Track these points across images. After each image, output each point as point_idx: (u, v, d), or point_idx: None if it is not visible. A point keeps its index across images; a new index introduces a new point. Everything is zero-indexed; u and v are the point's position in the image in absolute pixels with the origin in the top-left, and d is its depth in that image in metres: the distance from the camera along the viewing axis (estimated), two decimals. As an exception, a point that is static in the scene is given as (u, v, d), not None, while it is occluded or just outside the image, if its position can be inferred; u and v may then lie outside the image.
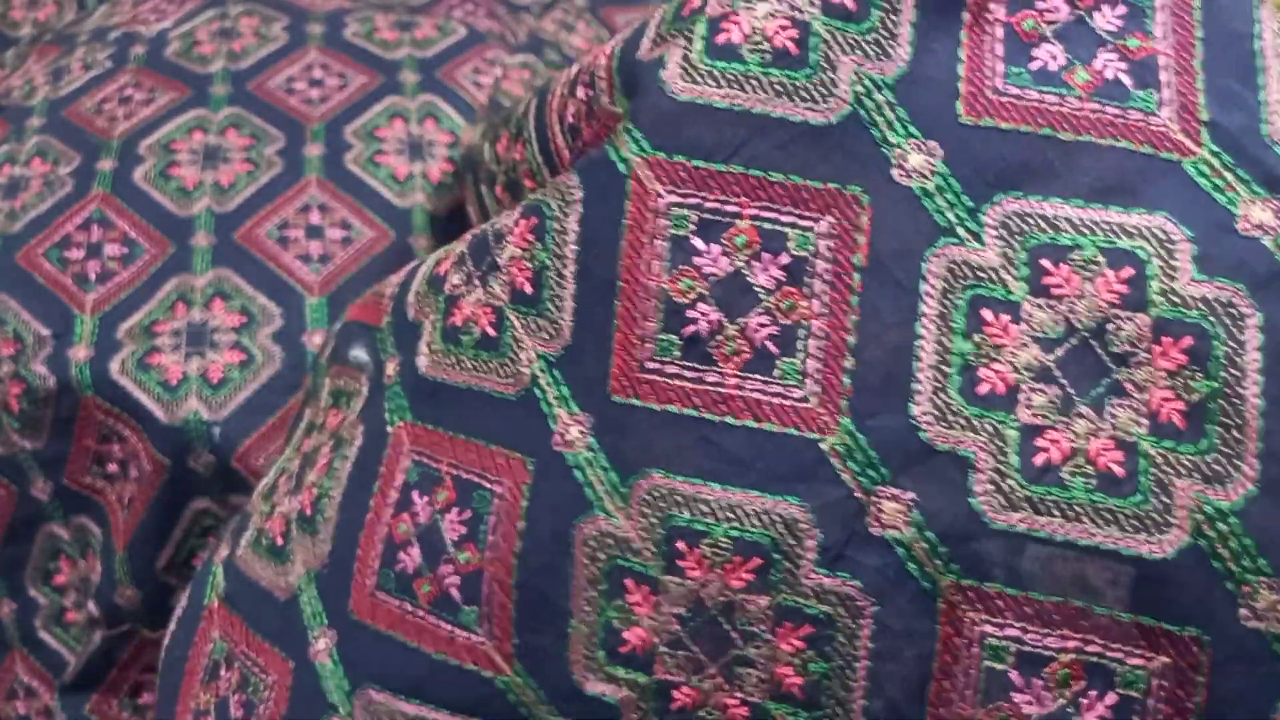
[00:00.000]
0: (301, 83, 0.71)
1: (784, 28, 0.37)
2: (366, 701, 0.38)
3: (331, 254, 0.63)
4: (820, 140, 0.36)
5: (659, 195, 0.37)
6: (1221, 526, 0.33)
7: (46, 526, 0.63)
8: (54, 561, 0.64)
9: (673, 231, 0.37)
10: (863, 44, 0.37)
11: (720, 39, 0.37)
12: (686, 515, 0.35)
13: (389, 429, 0.41)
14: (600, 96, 0.41)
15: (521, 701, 0.36)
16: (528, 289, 0.39)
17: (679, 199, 0.37)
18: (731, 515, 0.35)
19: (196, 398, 0.57)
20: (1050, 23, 0.38)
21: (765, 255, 0.36)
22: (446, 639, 0.37)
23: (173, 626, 0.46)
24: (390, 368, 0.43)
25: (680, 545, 0.35)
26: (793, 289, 0.36)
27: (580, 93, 0.43)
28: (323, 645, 0.39)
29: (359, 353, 0.45)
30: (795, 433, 0.35)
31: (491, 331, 0.39)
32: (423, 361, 0.42)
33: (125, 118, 0.68)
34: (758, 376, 0.36)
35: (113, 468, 0.60)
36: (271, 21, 0.75)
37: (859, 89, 0.36)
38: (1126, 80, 0.37)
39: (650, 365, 0.37)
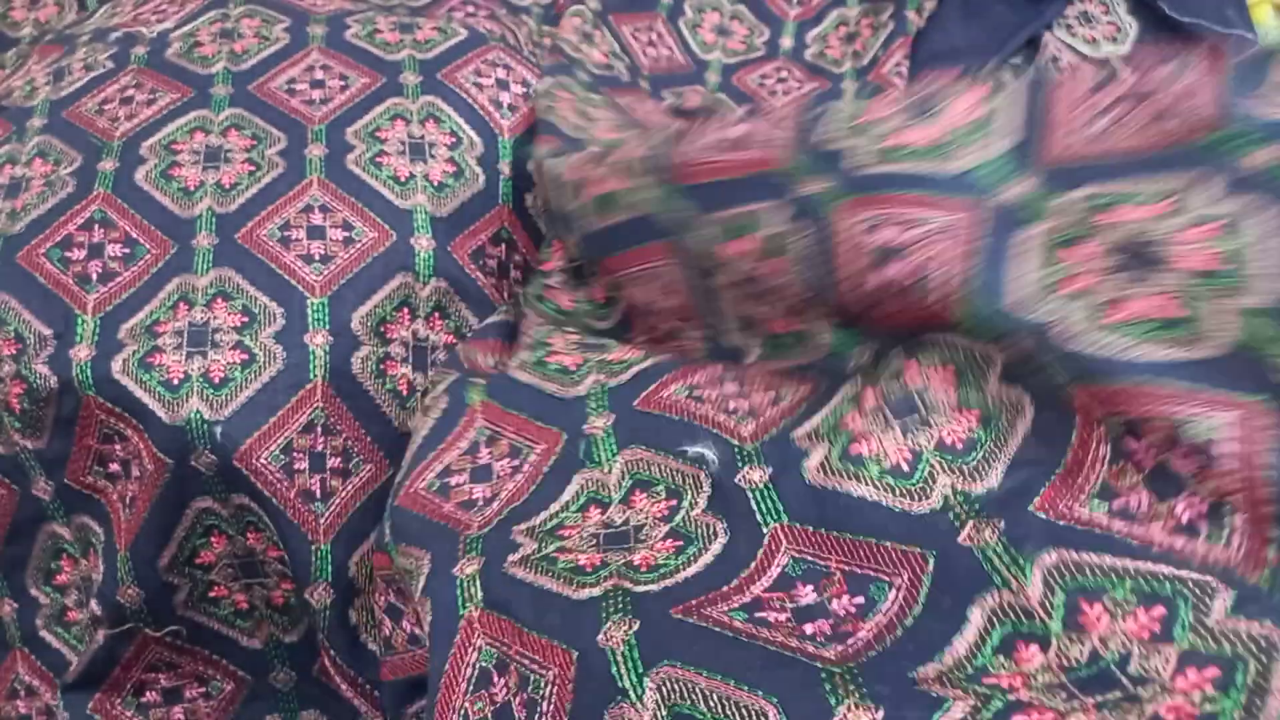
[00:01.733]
0: (303, 84, 0.71)
1: (900, 450, 0.45)
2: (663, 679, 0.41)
3: (333, 254, 0.63)
4: (910, 521, 0.44)
5: (783, 543, 0.45)
6: None
7: (48, 526, 0.63)
8: (56, 561, 0.64)
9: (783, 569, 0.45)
10: (963, 470, 0.44)
11: (853, 450, 0.46)
12: None
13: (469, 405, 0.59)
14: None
15: None
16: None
17: (795, 553, 0.45)
18: None
19: (198, 397, 0.57)
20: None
21: (845, 596, 0.43)
22: None
23: (430, 644, 0.48)
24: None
25: None
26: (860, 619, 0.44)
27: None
28: (619, 635, 0.42)
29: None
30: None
31: (572, 368, 0.59)
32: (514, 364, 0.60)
33: (127, 118, 0.68)
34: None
35: (114, 467, 0.60)
36: (273, 23, 0.75)
37: (947, 494, 0.44)
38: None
39: None
